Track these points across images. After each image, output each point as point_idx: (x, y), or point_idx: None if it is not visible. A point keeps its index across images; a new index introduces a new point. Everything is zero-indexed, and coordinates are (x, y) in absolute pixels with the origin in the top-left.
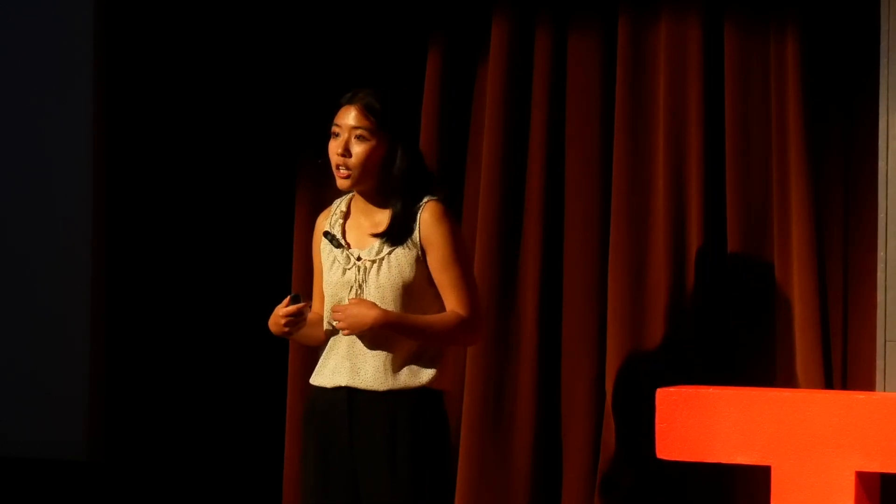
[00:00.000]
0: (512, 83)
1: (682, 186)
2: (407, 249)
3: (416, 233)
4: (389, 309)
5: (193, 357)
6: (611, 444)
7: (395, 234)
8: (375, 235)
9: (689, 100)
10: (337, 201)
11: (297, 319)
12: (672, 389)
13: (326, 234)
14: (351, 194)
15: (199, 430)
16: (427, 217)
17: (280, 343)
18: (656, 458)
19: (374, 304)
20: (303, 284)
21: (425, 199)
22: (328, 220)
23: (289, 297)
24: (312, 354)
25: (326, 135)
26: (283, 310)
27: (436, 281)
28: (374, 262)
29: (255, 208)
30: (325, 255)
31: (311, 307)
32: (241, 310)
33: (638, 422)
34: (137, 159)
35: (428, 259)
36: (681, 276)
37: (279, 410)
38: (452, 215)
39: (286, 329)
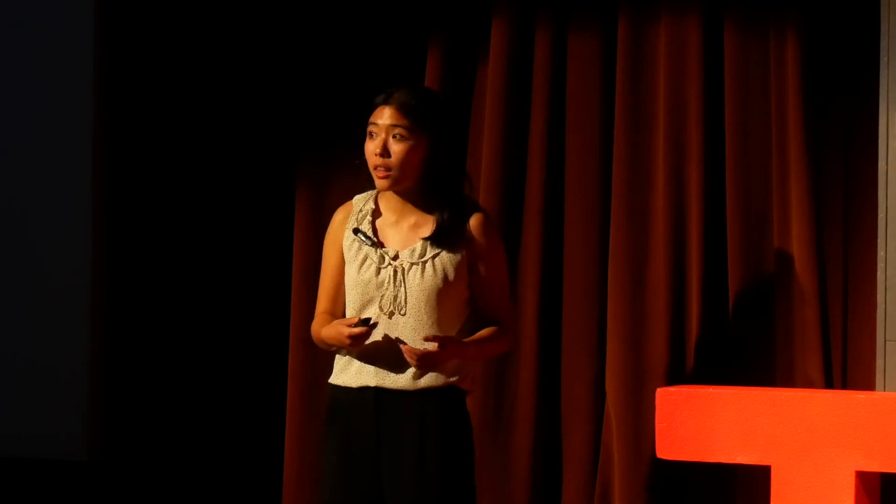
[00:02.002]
0: (512, 83)
1: (682, 186)
2: (452, 254)
3: (465, 240)
4: (428, 310)
5: (193, 357)
6: (611, 444)
7: (444, 238)
8: (426, 239)
9: (689, 100)
10: (359, 198)
11: (362, 340)
12: (672, 389)
13: (357, 230)
14: (374, 191)
15: (199, 429)
16: (478, 227)
17: (280, 343)
18: (656, 458)
19: (452, 346)
20: (303, 283)
21: (472, 209)
22: (353, 216)
23: (359, 319)
24: (313, 353)
25: (335, 135)
26: (350, 329)
27: (482, 288)
28: (415, 264)
29: (255, 208)
30: (353, 253)
31: (376, 325)
32: (242, 309)
33: (638, 422)
34: (137, 159)
35: (478, 268)
36: (681, 276)
37: (279, 410)
38: (498, 232)
39: (348, 344)
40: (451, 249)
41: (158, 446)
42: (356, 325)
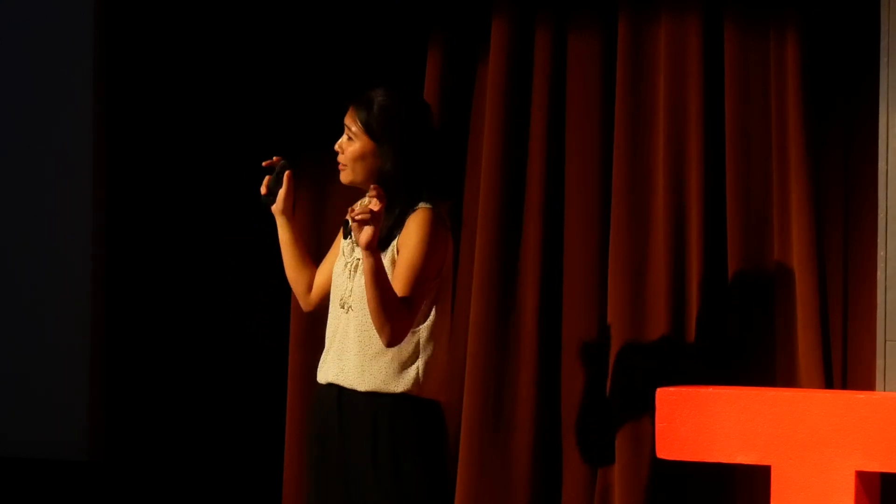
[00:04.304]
0: (512, 83)
1: (682, 186)
2: (388, 252)
3: (397, 238)
4: (367, 310)
5: (193, 357)
6: (611, 444)
7: (384, 244)
8: None
9: (689, 100)
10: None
11: (275, 181)
12: (672, 389)
13: (345, 222)
14: None
15: (199, 429)
16: (410, 222)
17: (280, 342)
18: (656, 458)
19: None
20: None
21: (419, 206)
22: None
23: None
24: (313, 353)
25: (335, 135)
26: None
27: (395, 268)
28: (360, 260)
29: (255, 208)
30: (341, 243)
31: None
32: (241, 310)
33: (638, 422)
34: (137, 159)
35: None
36: (681, 276)
37: (279, 410)
38: (437, 225)
39: (265, 192)
40: (387, 248)
41: (158, 447)
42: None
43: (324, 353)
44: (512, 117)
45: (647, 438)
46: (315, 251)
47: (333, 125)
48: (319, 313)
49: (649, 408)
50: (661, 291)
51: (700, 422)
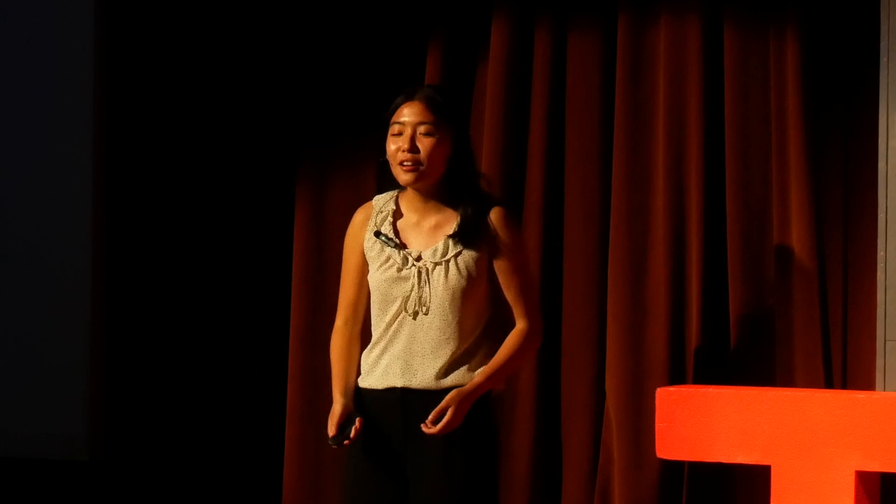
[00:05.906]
0: (512, 83)
1: (682, 186)
2: (474, 252)
3: (487, 236)
4: (453, 309)
5: (194, 357)
6: (611, 444)
7: (467, 235)
8: (450, 236)
9: (689, 99)
10: (379, 199)
11: (346, 427)
12: (672, 389)
13: (378, 233)
14: (395, 192)
15: (199, 429)
16: (497, 221)
17: (280, 343)
18: (656, 458)
19: (462, 396)
20: (303, 283)
21: (492, 203)
22: (373, 219)
23: (357, 421)
24: (313, 353)
25: (335, 135)
26: (332, 430)
27: (504, 284)
28: (438, 263)
29: (256, 208)
30: (375, 254)
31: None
32: (242, 310)
33: (638, 422)
34: (137, 159)
35: (497, 262)
36: (681, 276)
37: (279, 410)
38: (519, 224)
39: (335, 435)
40: (472, 247)
41: (159, 446)
42: (346, 428)
43: (374, 360)
44: (512, 117)
45: (648, 438)
46: (314, 252)
47: (334, 125)
48: (319, 314)
49: (649, 408)
50: (661, 291)
51: (700, 422)
